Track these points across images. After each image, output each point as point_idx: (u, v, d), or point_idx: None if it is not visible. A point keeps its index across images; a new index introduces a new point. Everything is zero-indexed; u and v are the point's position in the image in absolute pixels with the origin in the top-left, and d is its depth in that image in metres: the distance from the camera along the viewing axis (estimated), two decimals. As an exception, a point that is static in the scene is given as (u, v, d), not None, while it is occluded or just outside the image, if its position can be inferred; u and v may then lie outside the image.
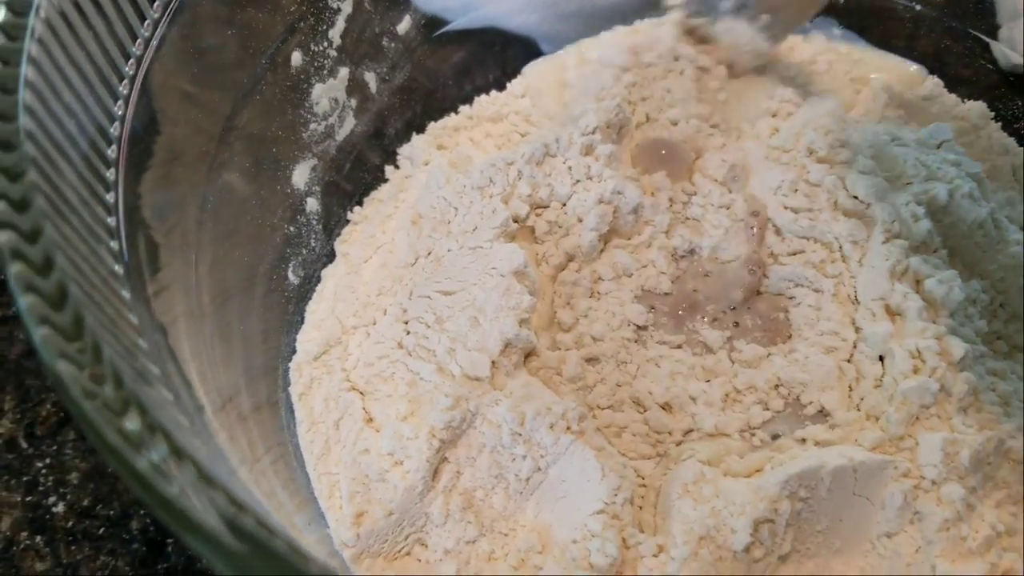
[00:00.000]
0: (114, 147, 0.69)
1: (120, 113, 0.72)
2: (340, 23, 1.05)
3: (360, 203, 1.14)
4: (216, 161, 0.90)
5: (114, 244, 0.64)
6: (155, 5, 0.78)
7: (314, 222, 1.07)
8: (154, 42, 0.78)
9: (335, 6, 1.04)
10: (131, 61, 0.74)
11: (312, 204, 1.07)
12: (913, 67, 1.22)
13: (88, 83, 0.68)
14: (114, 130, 0.70)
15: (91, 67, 0.68)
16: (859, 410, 0.91)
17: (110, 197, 0.66)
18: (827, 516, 0.83)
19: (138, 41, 0.75)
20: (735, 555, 0.80)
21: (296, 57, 1.01)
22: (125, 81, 0.73)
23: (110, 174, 0.68)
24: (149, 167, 0.75)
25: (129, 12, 0.74)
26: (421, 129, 1.19)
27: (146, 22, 0.77)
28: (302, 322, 1.03)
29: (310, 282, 1.06)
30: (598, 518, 0.83)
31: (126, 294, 0.61)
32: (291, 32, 0.99)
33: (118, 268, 0.62)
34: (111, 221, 0.65)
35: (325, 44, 1.04)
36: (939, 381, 0.87)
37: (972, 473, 0.84)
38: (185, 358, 0.73)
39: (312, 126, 1.06)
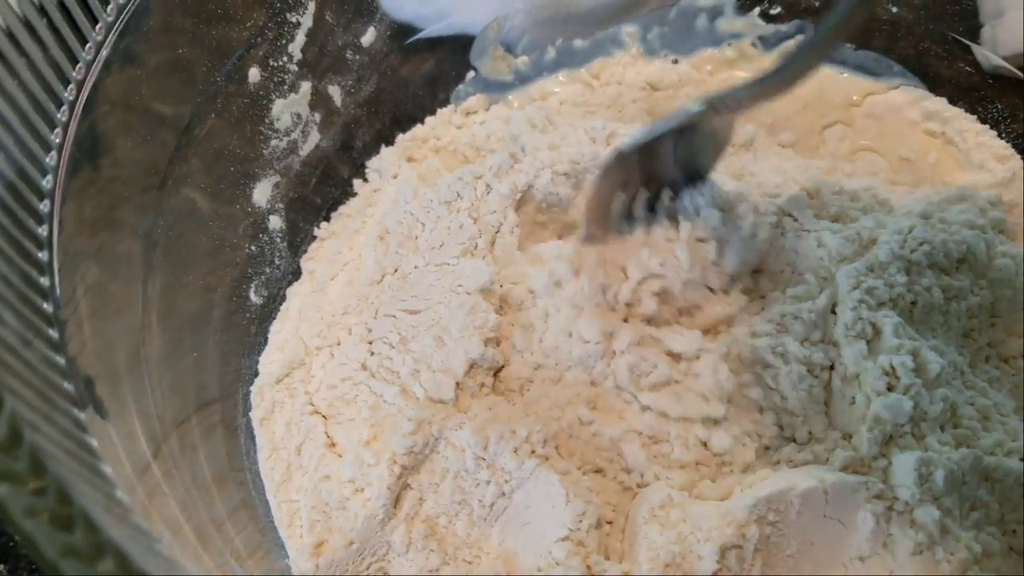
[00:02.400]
0: (49, 177, 0.67)
1: (58, 141, 0.69)
2: (300, 37, 1.03)
3: (328, 218, 1.12)
4: (168, 182, 0.88)
5: (44, 280, 0.62)
6: (98, 27, 0.75)
7: (278, 240, 1.05)
8: (97, 65, 0.75)
9: (294, 20, 1.02)
10: (71, 87, 0.72)
11: (275, 221, 1.05)
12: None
13: (20, 112, 0.65)
14: (50, 159, 0.68)
15: (24, 96, 0.66)
16: (833, 429, 0.88)
17: (42, 231, 0.64)
18: (797, 540, 0.81)
19: (79, 65, 0.73)
20: (702, 582, 0.78)
21: (254, 73, 0.99)
22: (64, 107, 0.71)
23: (43, 206, 0.66)
24: (90, 193, 0.72)
25: (69, 36, 0.72)
26: (390, 141, 1.17)
27: (87, 45, 0.74)
28: (266, 343, 1.01)
29: (274, 301, 1.04)
30: (562, 545, 0.81)
31: (54, 334, 0.58)
32: (248, 48, 0.97)
33: (47, 307, 0.60)
34: (43, 256, 0.63)
35: (285, 59, 1.02)
36: (913, 399, 0.85)
37: (947, 494, 0.82)
38: (121, 402, 0.71)
39: (273, 142, 1.03)
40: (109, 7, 0.76)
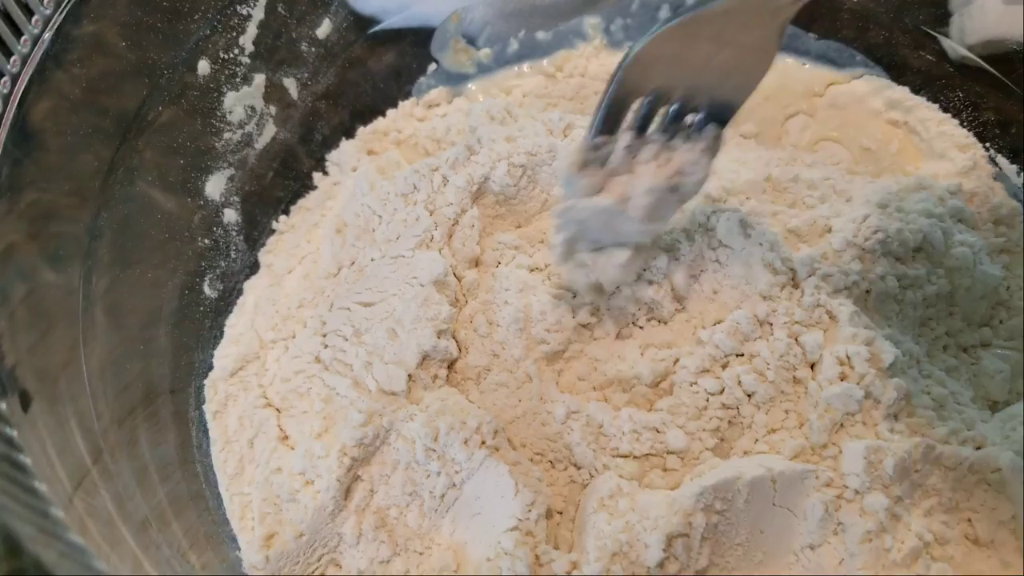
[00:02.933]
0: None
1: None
2: (252, 29, 1.02)
3: (287, 211, 1.11)
4: (116, 173, 0.88)
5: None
6: (34, 20, 0.75)
7: (233, 233, 1.05)
8: (34, 59, 0.75)
9: (244, 12, 1.01)
10: (4, 79, 0.71)
11: (230, 215, 1.05)
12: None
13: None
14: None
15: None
16: (787, 416, 0.88)
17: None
18: (746, 528, 0.81)
19: (13, 59, 0.73)
20: (648, 571, 0.77)
21: (203, 65, 0.98)
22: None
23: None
24: (28, 185, 0.72)
25: (3, 29, 0.72)
26: (351, 134, 1.17)
27: (23, 38, 0.74)
28: (221, 336, 1.01)
29: (231, 295, 1.04)
30: (511, 535, 0.80)
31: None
32: (197, 40, 0.96)
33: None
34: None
35: (236, 51, 1.02)
36: (865, 388, 0.85)
37: (897, 482, 0.82)
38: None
39: (226, 135, 1.03)
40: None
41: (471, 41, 1.22)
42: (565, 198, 0.89)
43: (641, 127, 0.85)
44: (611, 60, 1.22)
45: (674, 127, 0.86)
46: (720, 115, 0.85)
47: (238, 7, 1.00)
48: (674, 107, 0.84)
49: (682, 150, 0.86)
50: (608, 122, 0.85)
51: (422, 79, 1.21)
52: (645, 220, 0.87)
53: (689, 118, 0.85)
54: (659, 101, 0.84)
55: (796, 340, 0.89)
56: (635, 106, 0.84)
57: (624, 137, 0.85)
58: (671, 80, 0.82)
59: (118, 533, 0.67)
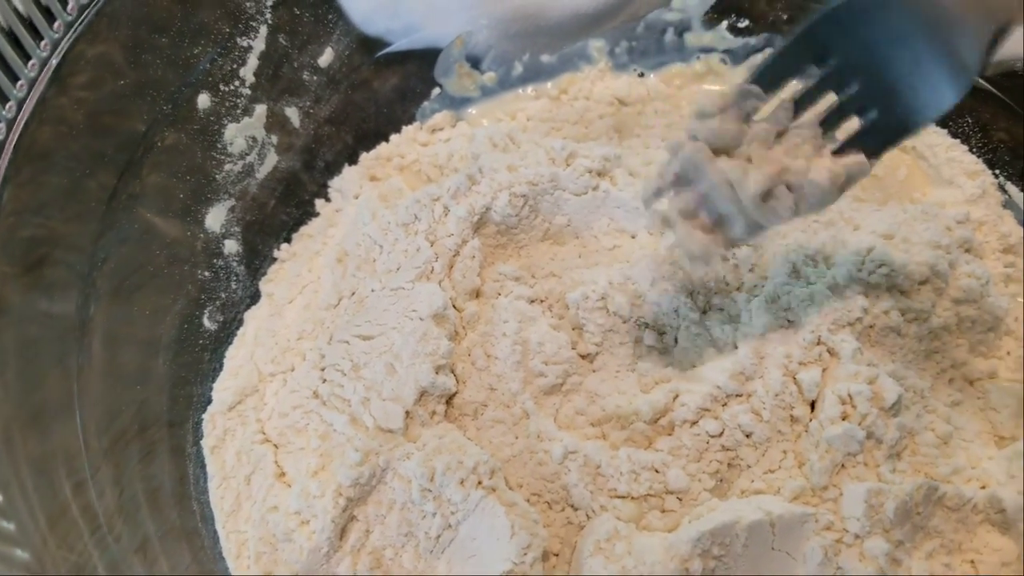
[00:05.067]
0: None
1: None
2: (252, 61, 1.02)
3: (289, 239, 1.11)
4: (114, 203, 0.88)
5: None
6: (31, 64, 0.75)
7: (234, 264, 1.05)
8: (39, 86, 0.75)
9: (245, 44, 1.01)
10: (10, 104, 0.72)
11: (231, 246, 1.04)
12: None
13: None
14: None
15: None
16: (785, 455, 0.87)
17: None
18: (744, 573, 0.80)
19: (20, 83, 0.73)
20: (644, 618, 0.77)
21: (203, 99, 0.98)
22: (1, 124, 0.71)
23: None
24: (26, 209, 0.72)
25: (11, 55, 0.72)
26: (354, 160, 1.16)
27: (19, 83, 0.74)
28: (221, 369, 1.00)
29: (231, 326, 1.04)
30: (507, 579, 0.80)
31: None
32: (197, 75, 0.96)
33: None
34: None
35: (237, 83, 1.02)
36: (867, 428, 0.84)
37: (899, 525, 0.81)
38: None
39: (227, 167, 1.03)
40: (56, 25, 0.75)
41: (475, 64, 1.21)
42: (689, 133, 0.79)
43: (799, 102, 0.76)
44: (616, 83, 1.21)
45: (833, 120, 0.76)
46: (886, 131, 0.75)
47: (239, 39, 1.00)
48: (848, 92, 0.74)
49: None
50: (771, 74, 0.75)
51: (426, 103, 1.20)
52: (759, 213, 0.78)
53: (855, 121, 0.75)
54: (831, 80, 0.74)
55: (793, 378, 0.88)
56: (808, 73, 0.74)
57: (784, 103, 0.76)
58: (859, 59, 0.71)
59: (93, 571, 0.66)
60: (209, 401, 0.97)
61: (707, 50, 1.22)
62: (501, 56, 1.22)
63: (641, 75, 1.22)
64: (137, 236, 0.93)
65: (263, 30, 1.02)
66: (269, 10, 1.03)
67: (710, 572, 0.78)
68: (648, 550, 0.79)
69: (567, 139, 1.11)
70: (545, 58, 1.22)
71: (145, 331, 0.93)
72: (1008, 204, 1.07)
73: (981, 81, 1.08)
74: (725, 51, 1.21)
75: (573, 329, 0.96)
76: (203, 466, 0.93)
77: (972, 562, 0.84)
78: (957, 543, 0.84)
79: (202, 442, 0.95)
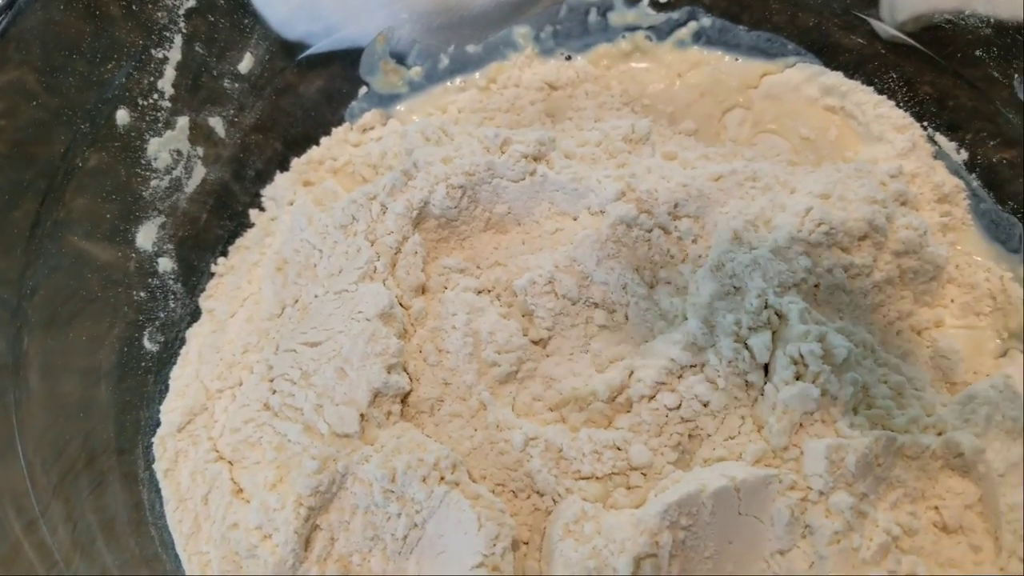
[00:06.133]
0: None
1: None
2: (170, 72, 0.99)
3: (225, 252, 1.08)
4: (39, 230, 0.85)
5: None
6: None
7: (170, 282, 1.02)
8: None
9: (160, 56, 0.98)
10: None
11: (165, 264, 1.02)
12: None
13: None
14: None
15: None
16: (743, 421, 0.87)
17: None
18: (714, 540, 0.80)
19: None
20: (619, 595, 0.76)
21: (122, 115, 0.95)
22: None
23: None
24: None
25: None
26: (285, 166, 1.14)
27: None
28: (167, 390, 0.98)
29: (172, 346, 1.01)
30: (478, 572, 0.79)
31: None
32: (114, 90, 0.93)
33: None
34: None
35: (155, 96, 0.99)
36: (821, 386, 0.84)
37: (861, 478, 0.81)
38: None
39: (154, 183, 1.00)
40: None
41: (400, 60, 1.20)
42: None
43: None
44: (544, 68, 1.20)
45: None
46: None
47: (153, 51, 0.97)
48: None
49: None
50: None
51: (354, 103, 1.19)
52: None
53: None
54: None
55: (744, 344, 0.88)
56: None
57: None
58: None
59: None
60: (157, 424, 0.95)
61: (632, 28, 1.21)
62: (426, 50, 1.21)
63: (568, 58, 1.21)
64: (66, 263, 0.90)
65: (178, 40, 1.00)
66: (182, 19, 1.00)
67: (680, 543, 0.78)
68: (617, 528, 0.78)
69: (500, 128, 1.10)
70: (471, 48, 1.21)
71: (84, 359, 0.90)
72: (939, 155, 1.08)
73: (903, 36, 1.09)
74: (649, 28, 1.21)
75: (523, 316, 0.95)
76: (158, 491, 0.91)
77: (936, 508, 0.84)
78: (920, 491, 0.84)
79: (154, 466, 0.92)
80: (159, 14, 0.98)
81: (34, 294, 0.85)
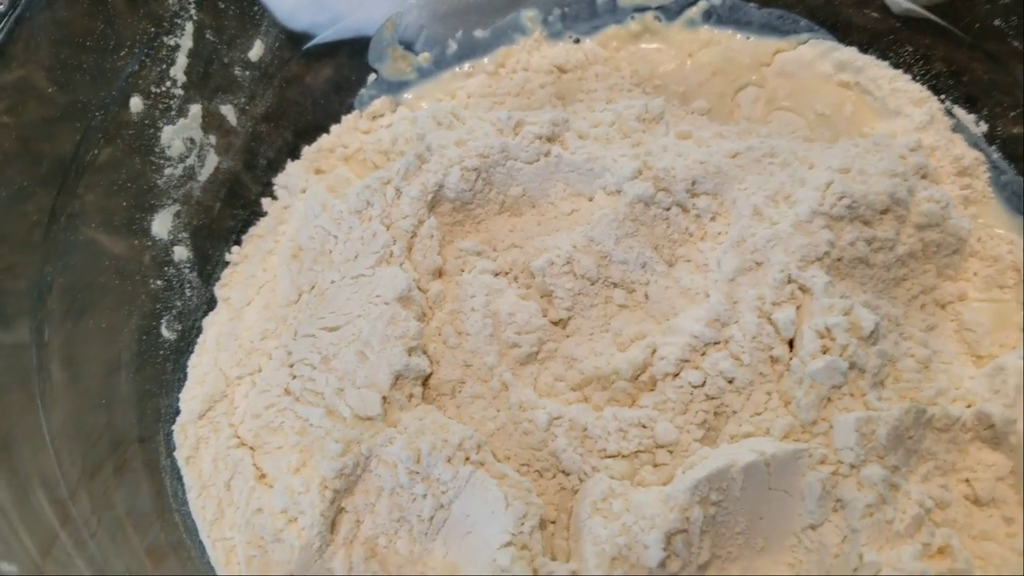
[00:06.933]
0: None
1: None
2: (182, 59, 0.99)
3: (239, 242, 1.08)
4: (55, 226, 0.85)
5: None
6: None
7: (186, 271, 1.01)
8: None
9: (172, 43, 0.97)
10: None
11: (181, 252, 1.01)
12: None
13: None
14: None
15: None
16: (770, 396, 0.86)
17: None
18: (745, 516, 0.79)
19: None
20: (650, 571, 0.75)
21: (136, 103, 0.94)
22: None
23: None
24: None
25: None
26: (296, 155, 1.13)
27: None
28: (185, 379, 0.97)
29: (190, 334, 1.00)
30: (506, 551, 0.78)
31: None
32: (126, 77, 0.92)
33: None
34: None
35: (168, 84, 0.98)
36: (849, 359, 0.83)
37: (892, 451, 0.80)
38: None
39: (167, 171, 0.99)
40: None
41: (408, 47, 1.19)
42: None
43: None
44: (552, 51, 1.20)
45: None
46: None
47: (165, 38, 0.97)
48: None
49: None
50: None
51: (363, 91, 1.18)
52: None
53: None
54: None
55: (768, 319, 0.87)
56: None
57: None
58: None
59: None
60: (177, 412, 0.94)
61: (641, 9, 1.20)
62: (434, 36, 1.20)
63: (577, 41, 1.20)
64: (83, 254, 0.90)
65: (189, 27, 0.99)
66: (192, 6, 0.99)
67: (710, 519, 0.77)
68: (646, 504, 0.77)
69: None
70: (479, 33, 1.21)
71: (104, 349, 0.90)
72: (957, 127, 1.07)
73: (918, 9, 1.08)
74: (659, 8, 1.20)
75: (542, 297, 0.95)
76: (180, 478, 0.90)
77: (967, 480, 0.84)
78: (951, 463, 0.84)
79: (175, 454, 0.91)
80: (169, 1, 0.97)
81: (53, 286, 0.85)
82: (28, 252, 0.82)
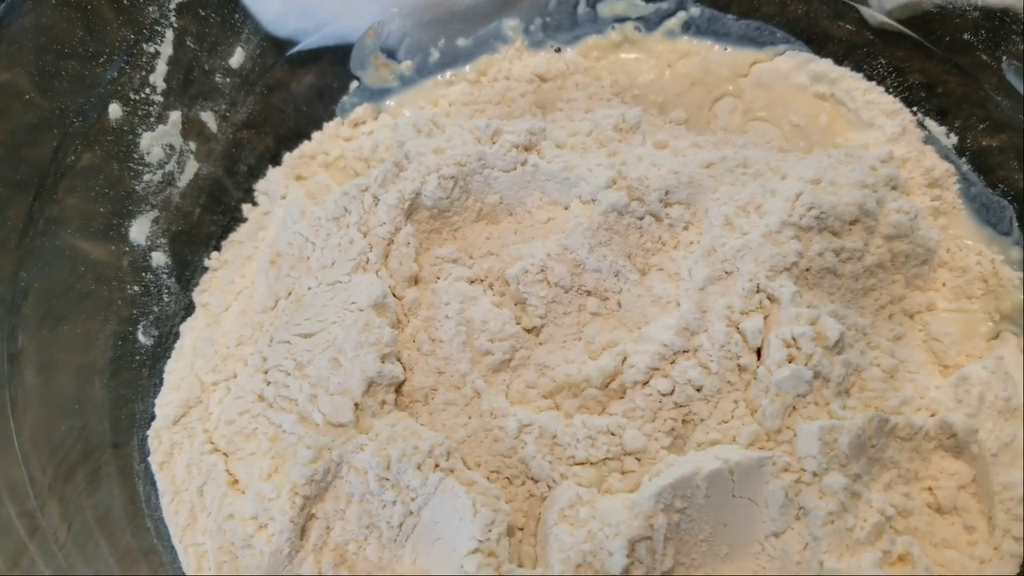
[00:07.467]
0: None
1: None
2: (162, 66, 1.00)
3: (218, 247, 1.09)
4: (32, 229, 0.85)
5: None
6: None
7: (164, 276, 1.02)
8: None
9: (152, 50, 0.98)
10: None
11: (159, 258, 1.02)
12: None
13: None
14: None
15: None
16: (737, 405, 0.87)
17: None
18: (709, 523, 0.80)
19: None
20: (615, 578, 0.76)
21: (114, 109, 0.95)
22: None
23: None
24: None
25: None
26: (277, 161, 1.14)
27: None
28: (161, 384, 0.98)
29: (168, 340, 1.01)
30: (473, 558, 0.79)
31: None
32: (105, 84, 0.93)
33: None
34: None
35: (147, 90, 0.99)
36: (814, 368, 0.84)
37: (854, 459, 0.81)
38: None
39: (146, 177, 1.00)
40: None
41: (391, 55, 1.20)
42: None
43: None
44: (534, 60, 1.21)
45: None
46: None
47: (145, 45, 0.97)
48: None
49: None
50: None
51: (345, 98, 1.19)
52: None
53: None
54: None
55: (737, 328, 0.88)
56: None
57: None
58: None
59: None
60: (152, 417, 0.95)
61: (621, 19, 1.21)
62: (416, 44, 1.21)
63: (558, 50, 1.22)
64: (60, 259, 0.91)
65: (169, 34, 1.00)
66: (173, 14, 1.00)
67: (674, 526, 0.78)
68: (612, 512, 0.79)
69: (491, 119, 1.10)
70: (461, 42, 1.22)
71: (79, 355, 0.91)
72: (929, 139, 1.08)
73: (892, 22, 1.10)
74: (638, 18, 1.21)
75: (516, 304, 0.96)
76: (153, 483, 0.91)
77: (930, 489, 0.85)
78: (913, 471, 0.85)
79: (149, 459, 0.92)
80: (150, 8, 0.98)
81: (28, 291, 0.86)
82: (4, 257, 0.83)
